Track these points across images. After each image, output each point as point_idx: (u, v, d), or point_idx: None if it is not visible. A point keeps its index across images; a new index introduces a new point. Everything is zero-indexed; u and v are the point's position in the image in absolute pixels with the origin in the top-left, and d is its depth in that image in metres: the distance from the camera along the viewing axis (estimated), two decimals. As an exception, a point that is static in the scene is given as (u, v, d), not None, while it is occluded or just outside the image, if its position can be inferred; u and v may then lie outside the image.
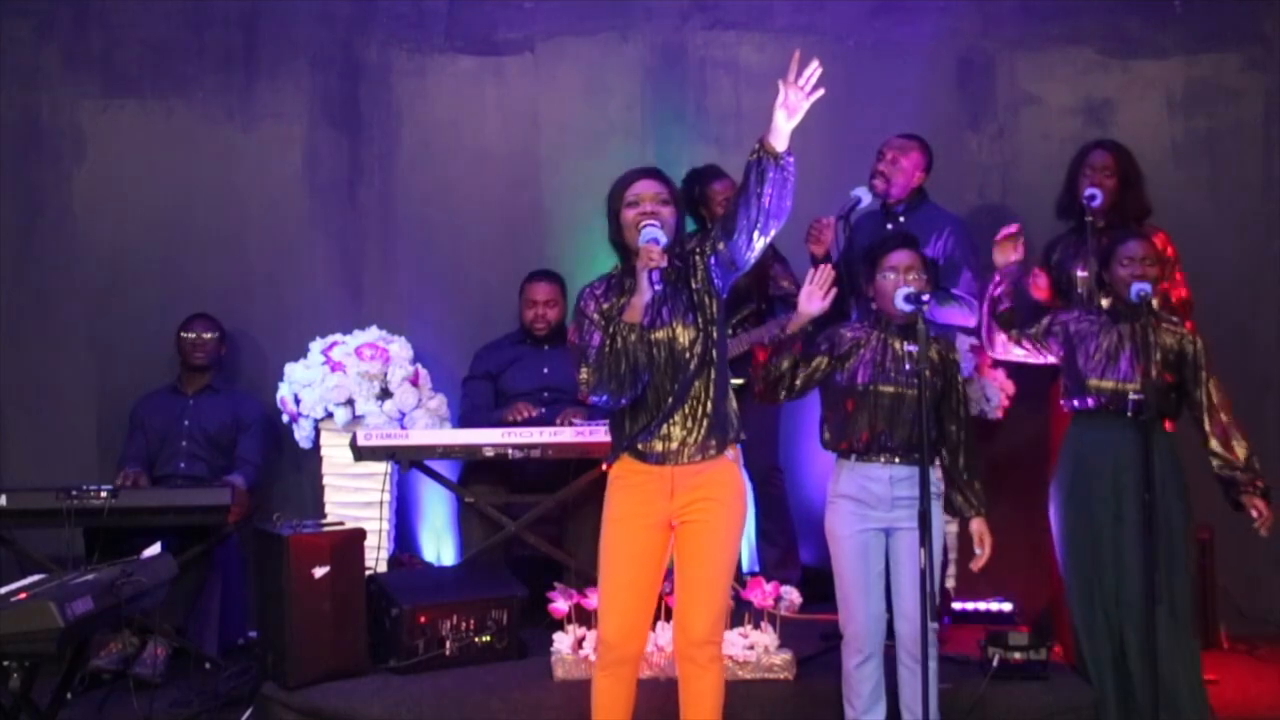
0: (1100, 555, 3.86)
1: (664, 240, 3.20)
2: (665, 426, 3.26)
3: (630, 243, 3.28)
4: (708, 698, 3.31)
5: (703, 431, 3.27)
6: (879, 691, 3.61)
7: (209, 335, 5.12)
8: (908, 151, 4.59)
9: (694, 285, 3.32)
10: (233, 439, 5.08)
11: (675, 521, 3.30)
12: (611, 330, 3.21)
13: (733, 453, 3.34)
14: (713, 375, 3.29)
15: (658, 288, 3.19)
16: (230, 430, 5.08)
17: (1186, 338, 3.88)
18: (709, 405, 3.27)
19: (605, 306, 3.30)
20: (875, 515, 3.59)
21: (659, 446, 3.28)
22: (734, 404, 3.37)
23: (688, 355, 3.27)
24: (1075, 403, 3.96)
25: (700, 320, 3.29)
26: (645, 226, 3.21)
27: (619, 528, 3.31)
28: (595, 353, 3.21)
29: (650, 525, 3.30)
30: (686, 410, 3.27)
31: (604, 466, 3.42)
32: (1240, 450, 3.81)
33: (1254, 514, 3.79)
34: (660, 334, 3.27)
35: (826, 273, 3.60)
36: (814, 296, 3.58)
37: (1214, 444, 3.84)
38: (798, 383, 3.69)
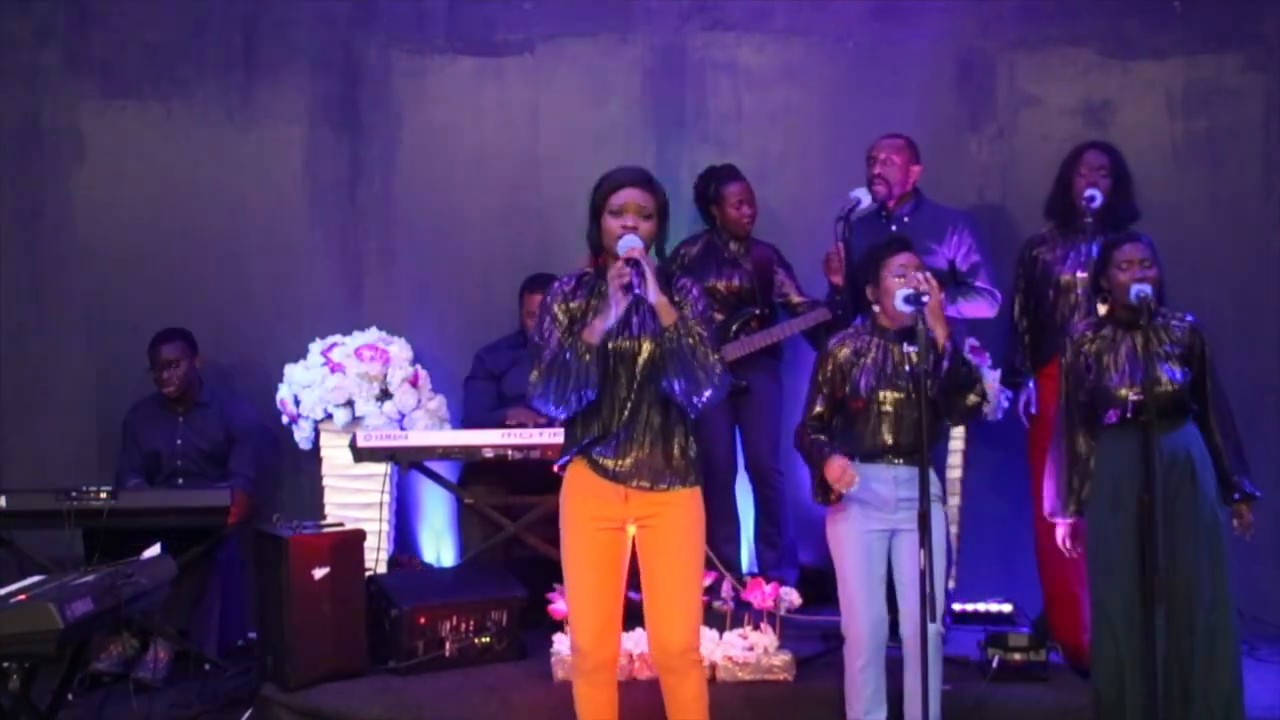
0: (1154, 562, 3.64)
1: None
2: (621, 444, 3.21)
3: (609, 248, 3.21)
4: (693, 703, 3.29)
5: (659, 460, 3.22)
6: (881, 693, 3.61)
7: (176, 362, 4.94)
8: (897, 149, 4.56)
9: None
10: (227, 452, 5.05)
11: (633, 525, 3.26)
12: (567, 343, 3.16)
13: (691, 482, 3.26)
14: (674, 410, 3.23)
15: (618, 310, 3.11)
16: (224, 444, 5.05)
17: (1193, 331, 3.83)
18: (668, 442, 3.22)
19: (572, 305, 3.25)
20: (879, 517, 3.60)
21: (613, 465, 3.22)
22: (693, 449, 3.27)
23: (648, 371, 3.20)
24: (1103, 418, 3.78)
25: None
26: (624, 236, 3.15)
27: (577, 534, 3.27)
28: (549, 359, 3.16)
29: (607, 529, 3.25)
30: (642, 435, 3.21)
31: (555, 468, 3.36)
32: (1231, 451, 3.77)
33: (1235, 521, 3.76)
34: (625, 344, 3.21)
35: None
36: None
37: (1217, 439, 3.80)
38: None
